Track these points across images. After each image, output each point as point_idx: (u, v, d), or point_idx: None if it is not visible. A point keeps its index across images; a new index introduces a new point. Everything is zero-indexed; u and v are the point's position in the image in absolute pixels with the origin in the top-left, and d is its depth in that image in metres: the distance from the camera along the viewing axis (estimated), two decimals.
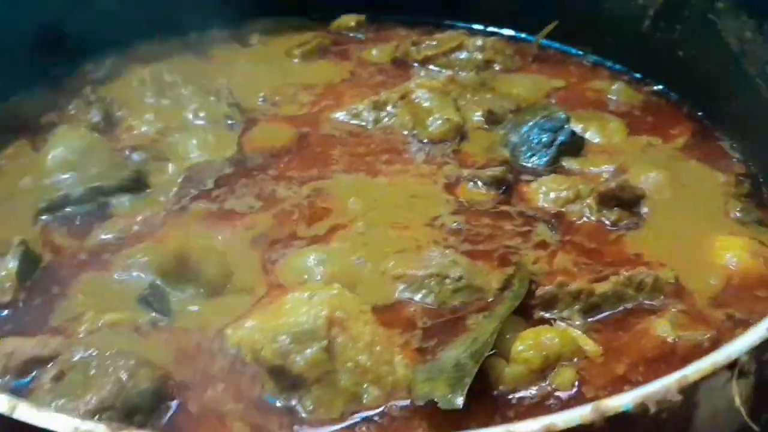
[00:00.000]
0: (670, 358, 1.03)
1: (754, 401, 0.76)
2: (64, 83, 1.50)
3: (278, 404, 0.95)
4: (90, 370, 0.96)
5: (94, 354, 0.98)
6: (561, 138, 1.34)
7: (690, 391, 0.72)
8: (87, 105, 1.42)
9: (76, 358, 0.98)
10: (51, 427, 0.69)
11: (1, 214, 1.24)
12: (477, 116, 1.44)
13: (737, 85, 1.36)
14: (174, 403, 0.96)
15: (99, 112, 1.41)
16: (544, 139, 1.34)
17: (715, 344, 1.02)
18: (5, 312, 1.09)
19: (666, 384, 0.71)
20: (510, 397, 0.97)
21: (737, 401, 0.74)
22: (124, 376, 0.95)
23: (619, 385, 0.98)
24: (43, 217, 1.22)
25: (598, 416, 0.69)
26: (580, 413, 0.69)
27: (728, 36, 1.36)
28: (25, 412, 0.70)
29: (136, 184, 1.27)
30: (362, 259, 1.15)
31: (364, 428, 0.93)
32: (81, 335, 1.05)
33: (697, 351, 1.02)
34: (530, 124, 1.36)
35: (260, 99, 1.51)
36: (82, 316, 1.07)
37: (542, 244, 1.19)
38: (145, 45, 1.61)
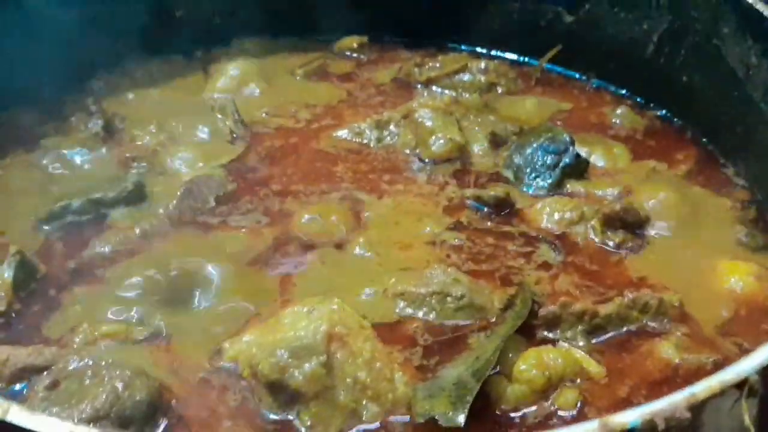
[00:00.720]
0: (673, 381, 1.02)
1: (764, 421, 0.74)
2: (66, 94, 1.48)
3: (276, 418, 0.94)
4: (85, 380, 0.95)
5: (89, 363, 0.97)
6: (565, 160, 1.33)
7: (698, 409, 0.71)
8: (88, 116, 1.41)
9: (71, 368, 0.97)
10: (44, 430, 0.67)
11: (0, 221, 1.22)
12: (480, 137, 1.43)
13: (741, 111, 1.35)
14: (169, 416, 0.95)
15: (100, 123, 1.39)
16: (548, 161, 1.33)
17: (718, 368, 0.99)
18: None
19: (674, 401, 0.70)
20: (512, 416, 0.95)
21: (747, 420, 0.73)
22: (119, 386, 0.93)
23: (622, 406, 0.96)
24: (42, 228, 1.21)
25: None
26: (587, 428, 0.68)
27: (733, 61, 1.36)
28: (17, 415, 0.68)
29: (136, 197, 1.26)
30: (364, 276, 1.14)
31: None
32: (76, 346, 1.03)
33: (701, 374, 1.01)
34: (534, 145, 1.35)
35: (263, 114, 1.50)
36: (78, 328, 1.05)
37: (545, 265, 1.18)
38: (149, 60, 1.59)
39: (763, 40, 1.30)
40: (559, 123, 1.49)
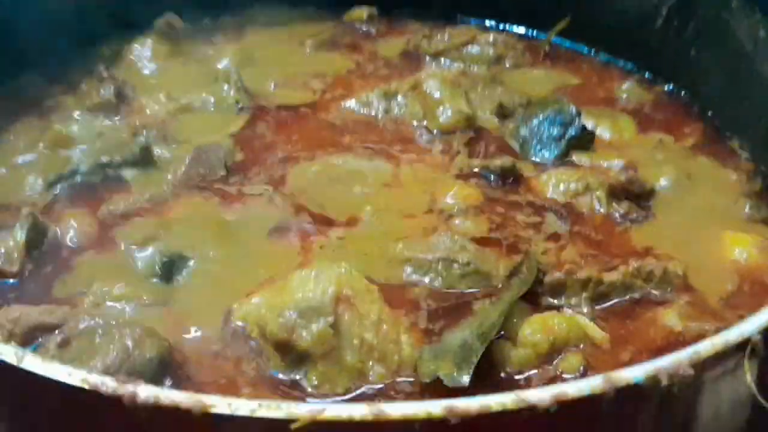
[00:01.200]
0: (675, 347, 1.01)
1: (765, 380, 0.75)
2: (76, 61, 1.49)
3: (283, 378, 0.95)
4: (95, 338, 0.96)
5: (100, 323, 0.98)
6: (571, 132, 1.33)
7: (701, 367, 0.72)
8: (99, 82, 1.42)
9: (82, 326, 0.98)
10: (59, 378, 0.68)
11: (10, 185, 1.24)
12: (487, 109, 1.43)
13: (749, 85, 1.36)
14: (178, 374, 0.96)
15: (110, 90, 1.40)
16: (554, 133, 1.34)
17: None
18: (11, 281, 1.09)
19: (678, 358, 0.71)
20: (516, 378, 0.96)
21: (748, 379, 0.74)
22: (129, 344, 0.94)
23: None
24: (52, 190, 1.22)
25: (609, 387, 0.69)
26: (591, 383, 0.69)
27: (741, 35, 1.36)
28: (32, 362, 0.69)
29: (143, 160, 1.27)
30: (371, 242, 1.15)
31: None
32: (87, 306, 1.04)
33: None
34: (541, 117, 1.35)
35: (272, 86, 1.51)
36: (89, 288, 1.07)
37: (551, 235, 1.19)
38: (157, 29, 1.60)
39: None
40: (566, 97, 1.50)
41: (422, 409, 0.66)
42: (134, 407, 0.66)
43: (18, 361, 0.70)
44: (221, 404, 0.66)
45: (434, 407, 0.66)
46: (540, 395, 0.67)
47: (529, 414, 0.67)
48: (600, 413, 0.70)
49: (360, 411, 0.66)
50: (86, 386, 0.68)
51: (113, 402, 0.67)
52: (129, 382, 0.67)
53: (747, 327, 0.75)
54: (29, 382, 0.70)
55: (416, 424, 0.66)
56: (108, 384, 0.67)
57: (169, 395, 0.66)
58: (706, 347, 0.72)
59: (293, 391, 0.94)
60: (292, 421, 0.65)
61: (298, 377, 0.95)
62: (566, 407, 0.67)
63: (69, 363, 0.90)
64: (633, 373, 0.70)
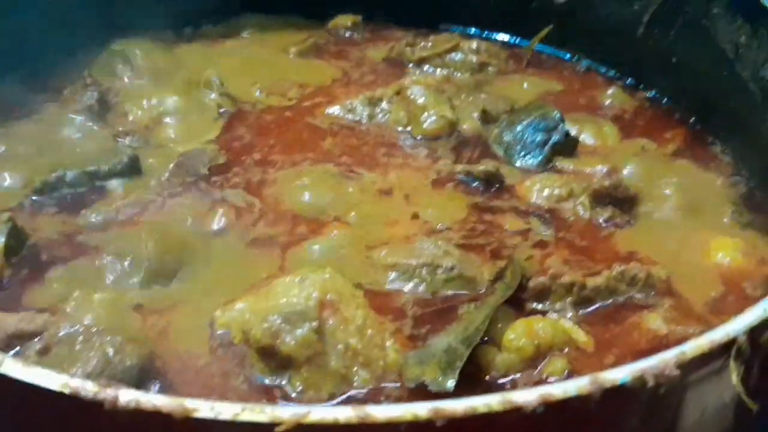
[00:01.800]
0: (660, 351, 1.02)
1: (751, 381, 0.75)
2: (59, 66, 1.48)
3: (267, 383, 0.94)
4: (76, 345, 0.94)
5: (80, 330, 0.96)
6: (555, 138, 1.33)
7: (687, 367, 0.71)
8: (82, 88, 1.41)
9: (62, 334, 0.96)
10: (40, 383, 0.67)
11: None
12: (471, 115, 1.43)
13: (731, 91, 1.36)
14: (159, 382, 0.95)
15: (94, 97, 1.39)
16: (538, 139, 1.34)
17: None
18: None
19: (664, 359, 0.71)
20: (501, 382, 0.96)
21: (734, 379, 0.74)
22: (110, 352, 0.93)
23: None
24: (35, 197, 1.21)
25: (595, 388, 0.68)
26: (577, 384, 0.68)
27: (723, 41, 1.37)
28: (11, 366, 0.68)
29: (131, 169, 1.26)
30: (354, 248, 1.14)
31: None
32: (68, 312, 1.03)
33: None
34: (524, 123, 1.36)
35: (257, 92, 1.50)
36: (69, 295, 1.05)
37: (534, 240, 1.19)
38: (140, 36, 1.59)
39: (753, 20, 1.31)
40: (549, 103, 1.50)
41: (408, 411, 0.65)
42: (115, 412, 0.65)
43: None
44: (204, 408, 0.65)
45: (420, 409, 0.65)
46: (526, 396, 0.67)
47: (515, 415, 0.66)
48: (586, 414, 0.70)
49: (345, 414, 0.65)
50: (66, 391, 0.67)
51: (94, 407, 0.66)
52: (110, 386, 0.65)
53: (732, 327, 0.74)
54: (8, 387, 0.69)
55: (402, 426, 0.65)
56: (88, 388, 0.66)
57: (150, 399, 0.65)
58: (691, 348, 0.72)
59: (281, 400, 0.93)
60: (277, 424, 0.65)
61: (282, 382, 0.94)
62: (552, 408, 0.67)
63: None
64: (619, 374, 0.69)
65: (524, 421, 0.67)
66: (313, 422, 0.65)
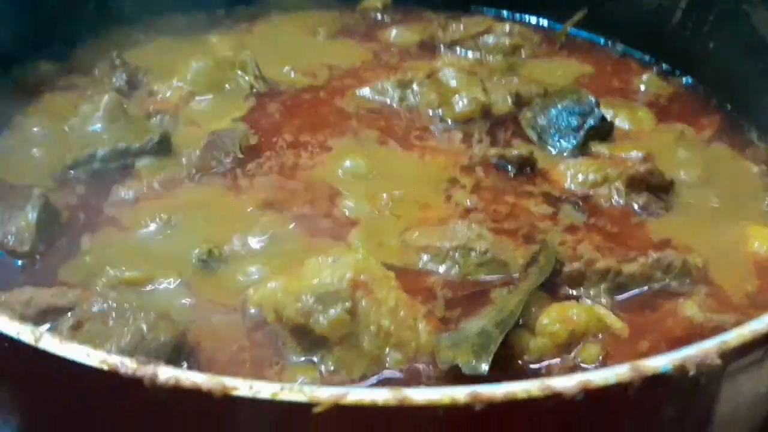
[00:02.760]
0: (693, 339, 1.00)
1: None
2: (89, 46, 1.48)
3: (299, 362, 0.94)
4: (109, 321, 0.95)
5: (113, 306, 0.97)
6: (590, 122, 1.32)
7: (729, 356, 0.70)
8: (112, 68, 1.41)
9: (94, 309, 0.97)
10: (77, 359, 0.67)
11: (24, 167, 1.22)
12: (504, 98, 1.42)
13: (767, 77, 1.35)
14: (192, 358, 0.95)
15: (124, 76, 1.39)
16: (572, 123, 1.33)
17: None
18: (21, 262, 1.08)
19: (706, 348, 0.70)
20: (534, 367, 0.95)
21: None
22: (144, 327, 0.93)
23: None
24: (67, 174, 1.21)
25: (636, 376, 0.67)
26: (617, 372, 0.67)
27: (761, 28, 1.35)
28: (49, 342, 0.68)
29: (161, 147, 1.26)
30: (387, 230, 1.14)
31: None
32: (99, 289, 1.03)
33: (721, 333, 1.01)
34: (559, 107, 1.34)
35: (290, 73, 1.49)
36: (101, 272, 1.05)
37: (568, 225, 1.18)
38: (172, 17, 1.59)
39: None
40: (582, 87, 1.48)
41: (447, 394, 0.65)
42: (154, 389, 0.65)
43: (35, 340, 0.69)
44: (243, 387, 0.65)
45: (459, 393, 0.65)
46: (566, 383, 0.66)
47: (554, 402, 0.66)
48: (625, 402, 0.69)
49: (383, 395, 0.65)
50: (105, 367, 0.67)
51: (132, 383, 0.66)
52: (149, 363, 0.65)
53: None
54: (46, 362, 0.69)
55: (440, 410, 0.65)
56: (128, 365, 0.66)
57: (189, 377, 0.65)
58: (733, 337, 0.71)
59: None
60: (315, 404, 0.64)
61: (314, 361, 0.94)
62: (592, 395, 0.66)
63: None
64: (660, 362, 0.68)
65: (563, 407, 0.66)
66: (350, 403, 0.65)
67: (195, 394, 0.65)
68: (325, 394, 0.65)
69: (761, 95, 1.37)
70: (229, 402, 0.65)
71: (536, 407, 0.66)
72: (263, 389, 0.65)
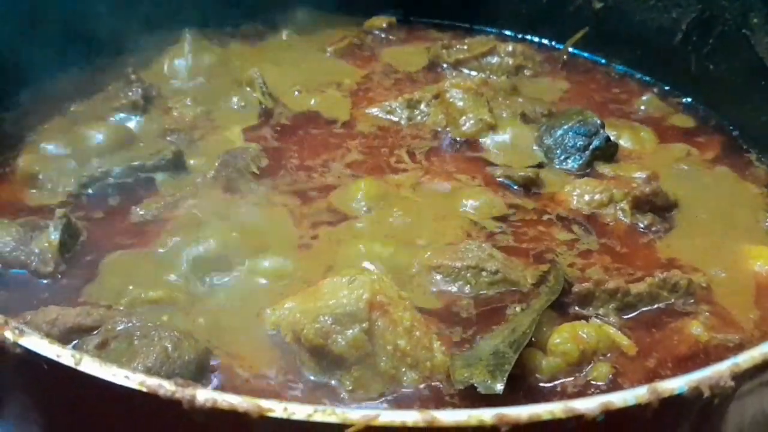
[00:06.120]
0: (698, 357, 1.05)
1: None
2: (106, 64, 1.51)
3: (318, 381, 0.97)
4: (134, 340, 0.97)
5: (137, 325, 0.99)
6: (596, 143, 1.35)
7: (741, 378, 0.73)
8: (126, 85, 1.43)
9: (119, 328, 0.99)
10: (116, 381, 0.69)
11: (42, 187, 1.25)
12: (509, 118, 1.45)
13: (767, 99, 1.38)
14: (214, 377, 0.97)
15: (138, 93, 1.42)
16: (578, 143, 1.36)
17: (742, 348, 1.03)
18: (45, 282, 1.10)
19: (719, 370, 0.73)
20: (548, 385, 0.98)
21: None
22: (169, 347, 0.95)
23: (651, 378, 1.00)
24: (83, 192, 1.23)
25: (654, 397, 0.70)
26: (636, 394, 0.70)
27: (761, 50, 1.38)
28: (90, 365, 0.71)
29: (175, 165, 1.28)
30: (399, 250, 1.16)
31: None
32: (122, 308, 1.05)
33: (725, 352, 1.04)
34: (565, 127, 1.38)
35: (296, 92, 1.52)
36: (123, 291, 1.07)
37: (575, 245, 1.21)
38: (183, 33, 1.61)
39: None
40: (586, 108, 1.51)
41: (474, 416, 0.68)
42: (192, 410, 0.68)
43: (76, 363, 0.71)
44: (278, 408, 0.67)
45: (486, 415, 0.68)
46: (588, 405, 0.69)
47: (576, 422, 0.69)
48: (643, 422, 0.72)
49: (413, 417, 0.68)
50: (144, 389, 0.69)
51: (171, 405, 0.68)
52: (188, 386, 0.68)
53: None
54: (86, 384, 0.71)
55: (468, 430, 0.68)
56: (167, 387, 0.68)
57: (226, 399, 0.68)
58: (745, 359, 0.74)
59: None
60: (347, 426, 0.67)
61: (332, 381, 0.97)
62: (612, 416, 0.69)
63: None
64: (675, 384, 0.71)
65: (584, 427, 0.69)
66: (382, 424, 0.67)
67: (231, 415, 0.68)
68: (356, 416, 0.68)
69: (760, 116, 1.41)
70: (265, 423, 0.68)
71: (559, 428, 0.69)
72: (297, 411, 0.68)
